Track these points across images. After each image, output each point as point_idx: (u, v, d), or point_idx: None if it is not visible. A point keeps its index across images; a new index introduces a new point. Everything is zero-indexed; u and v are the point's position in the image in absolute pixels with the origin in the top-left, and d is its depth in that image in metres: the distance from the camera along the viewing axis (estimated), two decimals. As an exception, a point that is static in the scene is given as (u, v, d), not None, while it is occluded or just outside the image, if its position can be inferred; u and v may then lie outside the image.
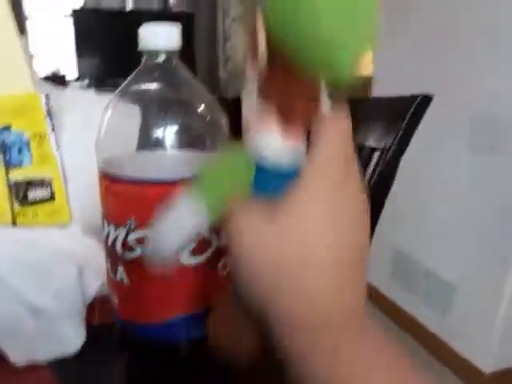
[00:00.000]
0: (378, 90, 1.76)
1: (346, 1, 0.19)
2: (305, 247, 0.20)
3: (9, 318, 0.40)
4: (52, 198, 0.49)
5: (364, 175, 0.74)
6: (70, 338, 0.40)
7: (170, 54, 0.32)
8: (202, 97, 0.34)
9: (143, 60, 0.32)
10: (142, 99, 0.33)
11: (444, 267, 1.52)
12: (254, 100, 0.22)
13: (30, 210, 0.49)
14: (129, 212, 0.32)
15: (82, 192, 0.51)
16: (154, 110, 0.33)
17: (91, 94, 0.56)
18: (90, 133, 0.49)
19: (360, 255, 0.22)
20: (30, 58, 0.47)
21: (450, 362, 1.49)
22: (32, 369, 0.38)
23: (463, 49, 1.38)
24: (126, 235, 0.32)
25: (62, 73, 3.95)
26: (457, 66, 1.41)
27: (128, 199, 0.31)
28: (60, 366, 0.39)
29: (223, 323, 0.29)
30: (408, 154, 0.67)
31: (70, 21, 3.80)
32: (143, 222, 0.31)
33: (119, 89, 0.34)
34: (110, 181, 0.32)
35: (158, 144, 0.32)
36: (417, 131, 0.67)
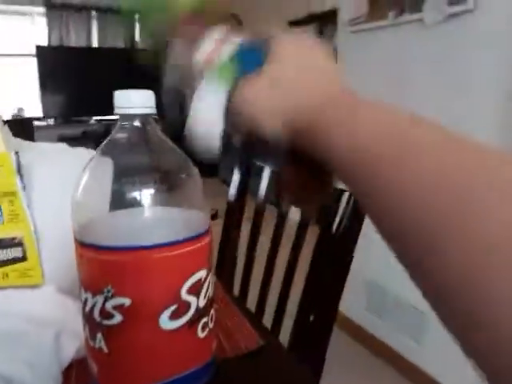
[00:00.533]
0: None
1: None
2: (292, 72, 0.29)
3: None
4: (24, 257, 0.47)
5: (335, 216, 0.76)
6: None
7: (144, 119, 0.32)
8: (178, 158, 0.34)
9: (118, 123, 0.33)
10: (117, 162, 0.33)
11: (415, 294, 1.54)
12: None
13: (0, 271, 0.47)
14: (106, 279, 0.31)
15: (55, 250, 0.50)
16: (129, 173, 0.33)
17: (61, 146, 0.55)
18: (62, 188, 0.48)
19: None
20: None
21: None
22: None
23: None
24: (104, 302, 0.31)
25: (26, 113, 3.90)
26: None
27: (104, 267, 0.31)
28: None
29: (290, 183, 0.34)
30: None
31: (34, 59, 3.79)
32: (121, 289, 0.31)
33: (97, 149, 0.34)
34: (85, 249, 0.32)
35: (134, 205, 0.32)
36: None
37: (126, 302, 0.31)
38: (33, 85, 3.86)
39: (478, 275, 0.16)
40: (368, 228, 0.69)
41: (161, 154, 0.34)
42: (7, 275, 0.48)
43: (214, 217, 3.53)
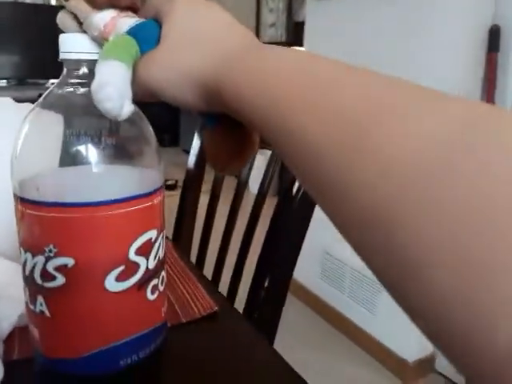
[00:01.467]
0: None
1: None
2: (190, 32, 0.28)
3: None
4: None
5: (293, 184, 0.75)
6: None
7: (92, 65, 0.30)
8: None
9: (64, 70, 0.30)
10: (64, 112, 0.30)
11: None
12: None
13: None
14: (47, 238, 0.29)
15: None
16: (76, 124, 0.30)
17: (7, 101, 0.51)
18: (4, 146, 0.45)
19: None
20: None
21: (379, 355, 1.56)
22: None
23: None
24: (45, 263, 0.29)
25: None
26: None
27: (46, 224, 0.29)
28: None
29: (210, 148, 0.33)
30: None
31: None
32: (64, 248, 0.29)
33: (38, 101, 0.31)
34: (26, 205, 0.29)
35: (81, 161, 0.29)
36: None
37: (70, 262, 0.29)
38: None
39: (387, 213, 0.16)
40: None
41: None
42: None
43: (173, 187, 3.48)
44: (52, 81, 3.87)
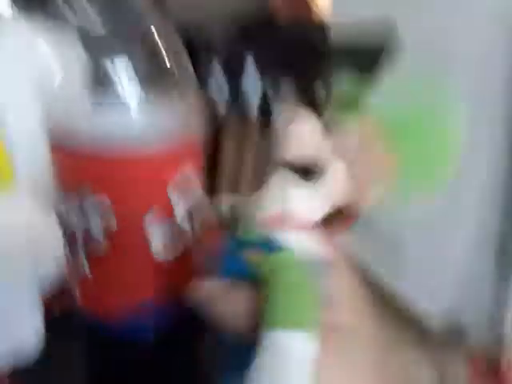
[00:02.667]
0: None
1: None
2: None
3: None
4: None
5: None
6: (28, 337, 0.35)
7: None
8: (169, 39, 0.27)
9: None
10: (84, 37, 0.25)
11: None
12: None
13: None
14: (82, 181, 0.26)
15: (27, 150, 0.43)
16: (100, 52, 0.25)
17: (21, 23, 0.46)
18: (26, 72, 0.41)
19: None
20: None
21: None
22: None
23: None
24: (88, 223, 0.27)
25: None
26: None
27: (80, 166, 0.26)
28: (19, 366, 0.33)
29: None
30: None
31: None
32: (99, 189, 0.26)
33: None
34: (57, 148, 0.27)
35: (112, 99, 0.25)
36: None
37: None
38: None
39: None
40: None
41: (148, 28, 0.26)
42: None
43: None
44: None
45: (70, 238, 0.29)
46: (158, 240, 0.27)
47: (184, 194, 0.28)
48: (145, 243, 0.27)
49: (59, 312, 0.37)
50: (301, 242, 0.18)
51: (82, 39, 0.25)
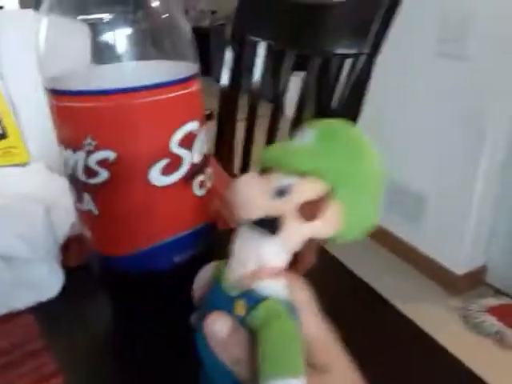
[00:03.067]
0: None
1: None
2: None
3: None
4: (4, 134, 0.44)
5: (336, 84, 0.70)
6: (49, 282, 0.38)
7: None
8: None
9: None
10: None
11: (413, 179, 1.54)
12: None
13: (-21, 150, 0.44)
14: (85, 131, 0.28)
15: (37, 126, 0.46)
16: (107, 7, 0.27)
17: (29, 12, 0.49)
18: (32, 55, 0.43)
19: None
20: None
21: (426, 269, 1.55)
22: (13, 317, 0.35)
23: None
24: (86, 158, 0.28)
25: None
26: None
27: (82, 116, 0.27)
28: (42, 310, 0.36)
29: None
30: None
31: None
32: (103, 140, 0.27)
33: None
34: (58, 97, 0.28)
35: (113, 54, 0.27)
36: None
37: (111, 155, 0.28)
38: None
39: None
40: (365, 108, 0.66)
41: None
42: (-11, 155, 0.45)
43: (209, 117, 3.44)
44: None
45: (73, 179, 0.30)
46: (156, 172, 0.29)
47: (189, 148, 0.30)
48: (145, 178, 0.28)
49: (76, 259, 0.40)
50: (276, 289, 0.21)
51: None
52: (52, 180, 0.46)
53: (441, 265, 1.50)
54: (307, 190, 0.20)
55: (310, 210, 0.20)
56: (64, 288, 0.38)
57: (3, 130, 0.44)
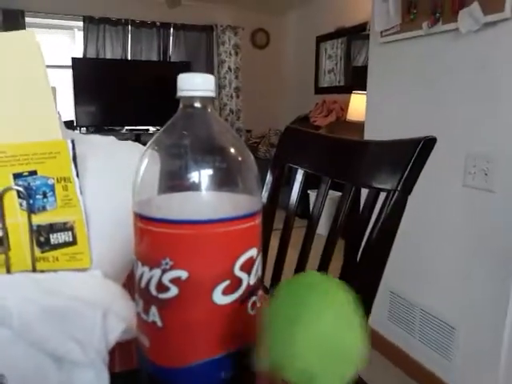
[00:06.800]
0: (370, 135, 1.81)
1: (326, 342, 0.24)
2: None
3: (33, 370, 0.39)
4: (74, 242, 0.49)
5: (370, 216, 0.76)
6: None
7: (205, 101, 0.34)
8: (234, 140, 0.35)
9: (181, 106, 0.34)
10: (178, 144, 0.34)
11: (442, 307, 1.51)
12: None
13: (50, 254, 0.49)
14: (164, 252, 0.32)
15: (103, 236, 0.51)
16: (191, 153, 0.34)
17: (112, 139, 0.58)
18: (113, 178, 0.50)
19: None
20: (56, 106, 0.49)
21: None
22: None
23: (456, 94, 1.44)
24: (161, 276, 0.32)
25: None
26: (450, 110, 1.46)
27: (164, 239, 0.32)
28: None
29: None
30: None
31: (69, 70, 3.93)
32: (179, 261, 0.32)
33: (158, 133, 0.35)
34: (145, 222, 0.33)
35: (194, 187, 0.33)
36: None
37: (183, 274, 0.32)
38: (68, 95, 3.99)
39: None
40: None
41: (219, 136, 0.35)
42: (57, 258, 0.50)
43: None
44: (127, 127, 4.20)
45: (144, 293, 0.34)
46: (219, 291, 0.33)
47: (248, 271, 0.34)
48: (210, 297, 0.32)
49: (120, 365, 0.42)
50: None
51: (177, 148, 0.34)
52: (107, 286, 0.50)
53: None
54: None
55: None
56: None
57: (74, 237, 0.50)
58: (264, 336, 0.25)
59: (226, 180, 0.34)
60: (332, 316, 0.25)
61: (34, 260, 0.50)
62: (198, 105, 0.34)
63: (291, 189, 0.93)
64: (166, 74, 3.53)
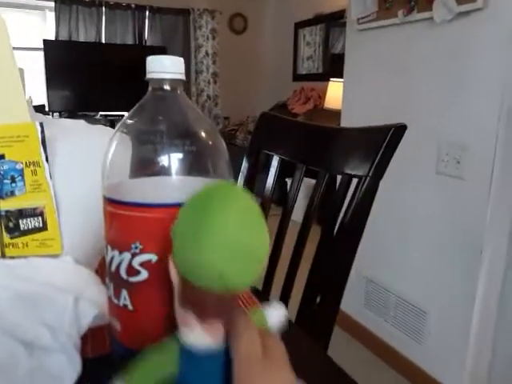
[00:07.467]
0: (347, 123, 1.83)
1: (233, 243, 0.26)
2: None
3: (4, 357, 0.39)
4: (44, 227, 0.49)
5: (342, 201, 0.77)
6: (66, 372, 0.39)
7: (175, 84, 0.34)
8: (205, 124, 0.35)
9: (150, 89, 0.34)
10: (147, 127, 0.34)
11: (415, 293, 1.55)
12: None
13: (20, 240, 0.49)
14: (134, 236, 0.32)
15: (74, 222, 0.51)
16: (161, 137, 0.34)
17: (82, 123, 0.57)
18: (83, 162, 0.50)
19: None
20: (24, 88, 0.48)
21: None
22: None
23: (431, 80, 1.46)
24: (131, 259, 0.32)
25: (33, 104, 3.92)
26: (424, 97, 1.48)
27: (133, 223, 0.32)
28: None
29: None
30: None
31: (41, 53, 3.80)
32: (149, 245, 0.32)
33: (127, 115, 0.35)
34: (115, 206, 0.33)
35: (164, 170, 0.33)
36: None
37: (153, 258, 0.32)
38: (40, 79, 3.87)
39: None
40: (369, 225, 0.71)
41: (189, 120, 0.35)
42: (27, 244, 0.49)
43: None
44: (101, 113, 4.11)
45: (114, 277, 0.34)
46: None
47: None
48: None
49: (93, 350, 0.42)
50: None
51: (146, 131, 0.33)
52: (79, 272, 0.50)
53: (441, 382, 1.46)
54: None
55: None
56: (79, 379, 0.39)
57: (44, 223, 0.49)
58: (173, 247, 0.27)
59: (195, 164, 0.34)
60: (234, 217, 0.26)
61: (3, 246, 0.49)
62: (167, 87, 0.33)
63: (267, 176, 0.93)
64: (141, 58, 3.45)
